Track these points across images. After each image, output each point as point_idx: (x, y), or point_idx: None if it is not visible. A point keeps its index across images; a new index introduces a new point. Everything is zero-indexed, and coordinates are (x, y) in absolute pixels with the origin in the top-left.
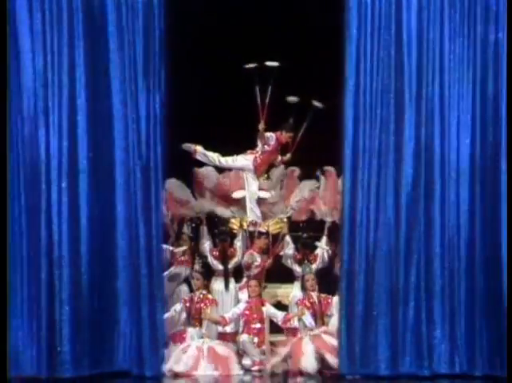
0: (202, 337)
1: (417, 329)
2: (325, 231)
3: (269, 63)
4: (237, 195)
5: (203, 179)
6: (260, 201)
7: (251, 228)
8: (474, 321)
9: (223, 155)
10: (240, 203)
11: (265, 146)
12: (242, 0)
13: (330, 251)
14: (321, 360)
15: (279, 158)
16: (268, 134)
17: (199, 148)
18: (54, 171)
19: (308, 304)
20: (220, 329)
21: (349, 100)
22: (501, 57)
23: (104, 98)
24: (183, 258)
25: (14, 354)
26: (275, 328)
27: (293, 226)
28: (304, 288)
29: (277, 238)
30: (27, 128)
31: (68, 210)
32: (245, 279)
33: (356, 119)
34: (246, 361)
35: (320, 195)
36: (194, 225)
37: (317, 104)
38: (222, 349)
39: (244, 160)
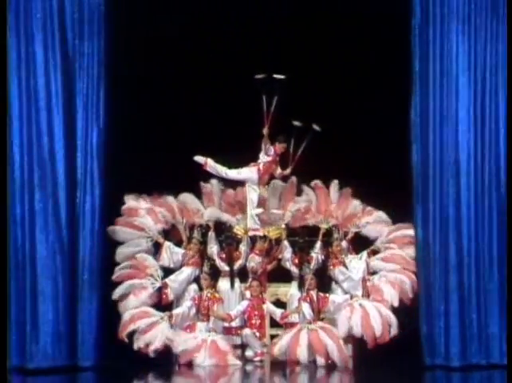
0: (209, 331)
1: None
2: (320, 237)
3: (276, 75)
4: (255, 211)
5: (211, 191)
6: (263, 211)
7: (251, 233)
8: None
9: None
10: (244, 212)
11: (266, 156)
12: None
13: (324, 255)
14: (311, 351)
15: (279, 170)
16: (269, 146)
17: (209, 161)
18: None
19: (308, 300)
20: (226, 324)
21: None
22: None
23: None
24: (193, 259)
25: None
26: (275, 323)
27: (291, 232)
28: (301, 287)
29: (277, 243)
30: None
31: None
32: (250, 280)
33: None
34: (249, 353)
35: (314, 206)
36: (203, 231)
37: (316, 127)
38: (223, 343)
39: (248, 172)
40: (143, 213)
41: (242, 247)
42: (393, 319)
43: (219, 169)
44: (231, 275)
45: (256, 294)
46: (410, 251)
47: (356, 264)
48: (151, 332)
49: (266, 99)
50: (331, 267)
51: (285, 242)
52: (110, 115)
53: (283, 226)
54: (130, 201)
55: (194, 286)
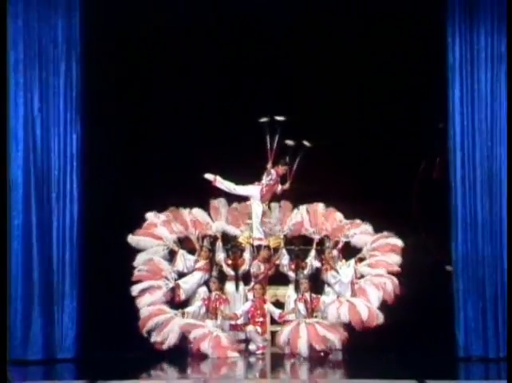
0: (216, 328)
1: None
2: (314, 246)
3: (277, 117)
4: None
5: (218, 206)
6: (264, 222)
7: (256, 243)
8: None
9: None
10: (247, 225)
11: (270, 180)
12: None
13: (317, 261)
14: (311, 344)
15: (280, 187)
16: (272, 170)
17: (218, 178)
18: None
19: (302, 301)
20: (232, 322)
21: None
22: None
23: None
24: (203, 265)
25: None
26: (274, 321)
27: (288, 241)
28: (297, 289)
29: (275, 251)
30: None
31: None
32: (252, 283)
33: None
34: (252, 346)
35: (308, 219)
36: (212, 241)
37: (306, 143)
38: (225, 340)
39: (253, 190)
40: (160, 224)
41: (246, 255)
42: (378, 311)
43: (227, 185)
44: (236, 279)
45: (258, 296)
46: (392, 257)
47: (346, 269)
48: (167, 328)
49: (269, 138)
50: (324, 272)
51: (283, 251)
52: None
53: (281, 236)
54: (150, 216)
55: (204, 289)
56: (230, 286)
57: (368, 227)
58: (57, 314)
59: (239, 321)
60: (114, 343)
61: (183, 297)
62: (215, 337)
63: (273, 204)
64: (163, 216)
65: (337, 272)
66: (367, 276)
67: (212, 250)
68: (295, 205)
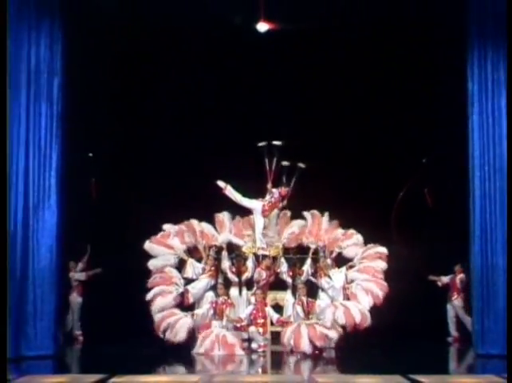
0: (222, 328)
1: None
2: (310, 254)
3: (275, 142)
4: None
5: (223, 219)
6: (264, 234)
7: (260, 252)
8: None
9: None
10: (250, 236)
11: (272, 198)
12: None
13: (313, 268)
14: (311, 342)
15: (280, 204)
16: (274, 190)
17: (229, 187)
18: None
19: (299, 304)
20: (237, 324)
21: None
22: None
23: None
24: (210, 272)
25: None
26: None
27: (286, 250)
28: (295, 294)
29: (275, 260)
30: None
31: None
32: (255, 288)
33: None
34: (254, 345)
35: (308, 230)
36: (217, 250)
37: (301, 165)
38: (231, 338)
39: (257, 204)
40: (173, 235)
41: (249, 263)
42: (368, 313)
43: (235, 195)
44: (240, 285)
45: (259, 300)
46: (378, 263)
47: (338, 275)
48: (177, 325)
49: (268, 161)
50: (318, 278)
51: (282, 259)
52: None
53: (280, 246)
54: (166, 227)
55: (211, 293)
56: (234, 291)
57: (359, 237)
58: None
59: (242, 323)
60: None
61: (191, 300)
62: (222, 336)
63: (272, 215)
64: (177, 227)
65: (330, 278)
66: (356, 281)
67: (218, 259)
68: (293, 216)
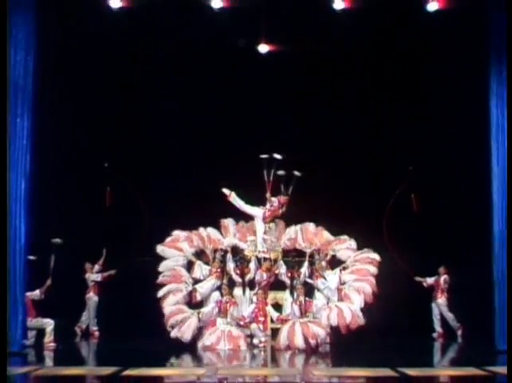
0: (226, 324)
1: None
2: (307, 257)
3: (275, 155)
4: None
5: (227, 225)
6: (265, 239)
7: (260, 255)
8: None
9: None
10: (252, 241)
11: (271, 206)
12: None
13: (310, 270)
14: (305, 339)
15: (280, 211)
16: (273, 199)
17: (233, 194)
18: None
19: (297, 303)
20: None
21: None
22: None
23: None
24: (216, 273)
25: None
26: None
27: (285, 254)
28: (292, 294)
29: (275, 262)
30: None
31: None
32: (256, 289)
33: None
34: (255, 341)
35: (301, 236)
36: (223, 253)
37: (296, 173)
38: (236, 332)
39: (259, 211)
40: (183, 239)
41: (251, 265)
42: (360, 313)
43: (239, 201)
44: (243, 285)
45: (261, 299)
46: (370, 268)
47: (332, 277)
48: (184, 326)
49: (267, 173)
50: (314, 279)
51: (281, 262)
52: None
53: (279, 250)
54: (175, 233)
55: (217, 293)
56: (238, 291)
57: (352, 243)
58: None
59: (245, 321)
60: None
61: (198, 298)
62: (228, 331)
63: (271, 224)
64: (186, 233)
65: (326, 279)
66: (349, 281)
67: (223, 261)
68: (288, 224)
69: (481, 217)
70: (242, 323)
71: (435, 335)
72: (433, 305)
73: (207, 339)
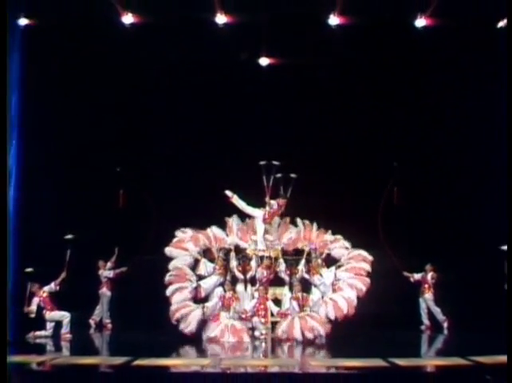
0: (229, 318)
1: None
2: (304, 256)
3: (274, 162)
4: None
5: (232, 224)
6: (265, 238)
7: (260, 253)
8: None
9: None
10: (254, 240)
11: (271, 209)
12: None
13: (306, 268)
14: (303, 333)
15: (279, 212)
16: (273, 201)
17: (235, 196)
18: None
19: (296, 298)
20: (243, 315)
21: None
22: None
23: None
24: (219, 270)
25: None
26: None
27: (284, 252)
28: (291, 290)
29: (275, 260)
30: None
31: None
32: (257, 285)
33: None
34: (257, 333)
35: (302, 235)
36: (226, 252)
37: (293, 175)
38: (239, 325)
39: (259, 212)
40: (188, 239)
41: (252, 263)
42: (354, 300)
43: (241, 203)
44: (245, 282)
45: (261, 294)
46: (363, 265)
47: (328, 273)
48: (189, 317)
49: (266, 178)
50: (311, 276)
51: (281, 260)
52: None
53: (279, 248)
54: (179, 234)
55: (220, 289)
56: (240, 287)
57: (345, 243)
58: None
59: (247, 314)
60: None
61: (203, 294)
62: (231, 325)
63: (273, 222)
64: (190, 233)
65: (322, 276)
66: (343, 278)
67: (227, 259)
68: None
69: (472, 216)
70: (244, 317)
71: (422, 327)
72: (420, 299)
73: (212, 331)
